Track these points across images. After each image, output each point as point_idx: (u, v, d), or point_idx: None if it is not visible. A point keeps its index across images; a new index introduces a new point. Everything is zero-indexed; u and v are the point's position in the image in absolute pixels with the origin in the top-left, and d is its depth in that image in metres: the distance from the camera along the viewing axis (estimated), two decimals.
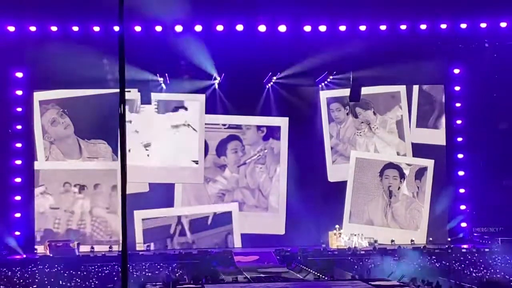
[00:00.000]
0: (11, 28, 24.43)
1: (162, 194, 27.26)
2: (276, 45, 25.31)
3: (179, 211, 27.33)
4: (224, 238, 27.45)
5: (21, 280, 19.82)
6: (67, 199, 26.96)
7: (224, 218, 27.50)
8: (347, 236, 26.30)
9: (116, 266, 21.61)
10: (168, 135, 27.54)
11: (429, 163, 28.18)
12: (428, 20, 25.27)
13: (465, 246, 25.89)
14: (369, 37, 25.27)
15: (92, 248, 25.88)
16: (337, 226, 26.64)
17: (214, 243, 27.25)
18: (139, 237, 26.72)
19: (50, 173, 26.95)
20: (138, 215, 26.76)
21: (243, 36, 25.00)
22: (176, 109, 27.61)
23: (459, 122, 28.15)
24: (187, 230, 27.29)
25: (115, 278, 19.81)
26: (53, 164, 26.98)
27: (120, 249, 8.21)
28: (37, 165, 26.81)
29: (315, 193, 27.74)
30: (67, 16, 23.72)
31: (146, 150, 27.36)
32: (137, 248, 25.95)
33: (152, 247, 26.67)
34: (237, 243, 27.43)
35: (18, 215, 26.45)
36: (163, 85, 27.08)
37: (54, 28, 24.39)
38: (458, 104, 28.15)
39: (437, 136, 28.32)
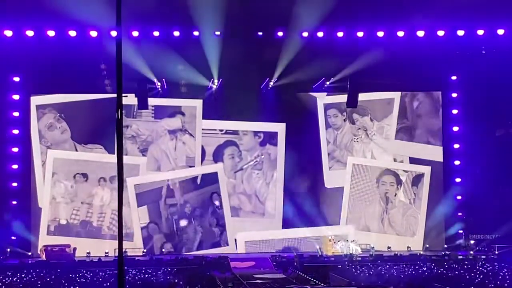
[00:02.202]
0: (8, 33, 24.41)
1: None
2: (274, 50, 25.31)
3: (169, 175, 27.38)
4: (210, 196, 27.52)
5: (17, 285, 19.76)
6: (84, 190, 27.16)
7: (211, 178, 27.57)
8: (342, 242, 26.27)
9: (112, 271, 21.55)
10: (165, 140, 27.56)
11: (426, 170, 28.19)
12: (426, 27, 25.30)
13: (461, 253, 25.87)
14: (366, 43, 25.27)
15: (88, 253, 25.84)
16: (329, 232, 26.63)
17: (202, 201, 27.43)
18: (132, 202, 26.89)
19: (65, 162, 27.05)
20: (131, 181, 26.87)
21: (240, 41, 24.98)
22: (173, 114, 27.62)
23: (456, 129, 28.16)
24: (178, 191, 27.35)
25: (111, 283, 19.75)
26: (69, 154, 27.12)
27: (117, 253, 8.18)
28: (53, 154, 27.04)
29: (311, 199, 27.71)
30: (64, 21, 23.69)
31: (143, 155, 27.39)
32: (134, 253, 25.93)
33: (146, 211, 27.00)
34: (233, 248, 27.42)
35: (14, 219, 26.39)
36: (160, 90, 27.10)
37: (51, 33, 24.38)
38: (455, 111, 28.18)
39: (425, 151, 28.33)
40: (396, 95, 28.30)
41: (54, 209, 27.03)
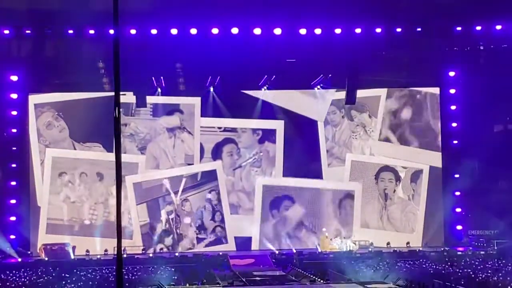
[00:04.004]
0: (6, 31, 24.38)
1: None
2: (272, 48, 25.30)
3: (169, 173, 27.43)
4: (208, 194, 27.53)
5: (17, 284, 19.75)
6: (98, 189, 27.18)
7: (210, 176, 27.58)
8: (340, 239, 26.33)
9: (111, 270, 21.55)
10: (164, 138, 27.56)
11: (425, 166, 28.19)
12: (423, 23, 25.28)
13: (460, 249, 25.91)
14: (364, 40, 25.26)
15: (87, 251, 25.86)
16: (324, 229, 26.73)
17: (201, 198, 27.49)
18: (131, 200, 26.91)
19: (73, 161, 27.14)
20: (130, 179, 26.89)
21: (238, 39, 24.98)
22: (171, 112, 27.63)
23: (454, 125, 28.14)
24: (177, 189, 27.35)
25: (111, 282, 19.75)
26: (68, 153, 27.15)
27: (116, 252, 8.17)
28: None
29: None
30: (62, 19, 23.67)
31: (142, 153, 27.39)
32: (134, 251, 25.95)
33: (145, 208, 27.06)
34: (232, 246, 27.43)
35: (13, 218, 26.41)
36: (158, 88, 27.11)
37: (49, 31, 24.34)
38: (453, 107, 28.16)
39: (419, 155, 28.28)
40: (382, 93, 28.22)
41: (71, 209, 27.02)
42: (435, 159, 28.09)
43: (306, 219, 27.60)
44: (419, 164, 28.20)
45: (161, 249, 27.06)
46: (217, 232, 27.53)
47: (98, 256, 25.22)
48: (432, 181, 28.09)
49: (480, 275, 19.73)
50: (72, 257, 24.79)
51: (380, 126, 28.17)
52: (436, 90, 28.28)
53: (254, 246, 27.42)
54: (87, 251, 25.84)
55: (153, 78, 26.38)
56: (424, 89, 28.31)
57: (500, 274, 19.63)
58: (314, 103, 27.98)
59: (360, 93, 27.26)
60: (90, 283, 19.88)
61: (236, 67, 25.65)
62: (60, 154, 27.11)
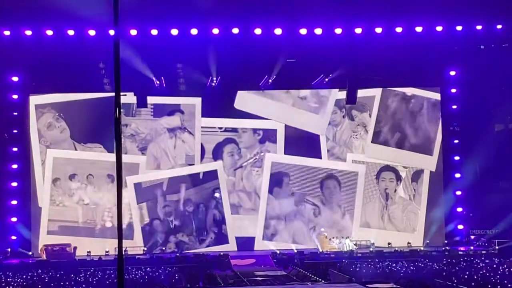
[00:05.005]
0: (7, 32, 24.37)
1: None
2: (272, 48, 25.29)
3: (170, 173, 27.43)
4: (209, 194, 27.54)
5: (17, 285, 19.74)
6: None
7: (211, 176, 27.60)
8: (338, 239, 26.34)
9: (112, 270, 21.54)
10: (164, 138, 27.56)
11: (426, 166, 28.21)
12: (424, 22, 25.26)
13: (462, 248, 25.90)
14: (365, 39, 25.24)
15: (89, 252, 25.85)
16: (322, 229, 26.73)
17: (201, 199, 27.46)
18: (132, 200, 26.93)
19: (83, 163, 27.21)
20: (130, 180, 26.91)
21: (239, 39, 24.97)
22: (172, 112, 27.63)
23: (455, 124, 28.12)
24: (177, 189, 27.38)
25: (112, 282, 19.75)
26: (69, 153, 27.16)
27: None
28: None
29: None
30: (62, 20, 23.67)
31: (143, 154, 27.40)
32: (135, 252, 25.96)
33: (145, 209, 27.06)
34: (233, 246, 27.42)
35: (14, 219, 26.43)
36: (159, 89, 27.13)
37: (49, 32, 24.34)
38: (454, 106, 28.16)
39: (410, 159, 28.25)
40: (377, 93, 28.19)
41: (86, 211, 27.07)
42: (431, 163, 28.05)
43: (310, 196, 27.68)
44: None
45: (162, 249, 27.07)
46: (218, 232, 27.53)
47: (99, 257, 25.19)
48: (433, 180, 28.09)
49: (482, 274, 19.71)
50: (73, 257, 24.78)
51: (373, 127, 28.13)
52: (436, 92, 28.24)
53: (259, 237, 27.45)
54: (88, 251, 25.82)
55: (153, 78, 26.37)
56: (423, 91, 28.27)
57: (501, 274, 19.61)
58: (314, 118, 27.92)
59: (360, 93, 27.24)
60: (91, 283, 19.87)
61: (236, 67, 25.65)
62: (61, 155, 27.13)
